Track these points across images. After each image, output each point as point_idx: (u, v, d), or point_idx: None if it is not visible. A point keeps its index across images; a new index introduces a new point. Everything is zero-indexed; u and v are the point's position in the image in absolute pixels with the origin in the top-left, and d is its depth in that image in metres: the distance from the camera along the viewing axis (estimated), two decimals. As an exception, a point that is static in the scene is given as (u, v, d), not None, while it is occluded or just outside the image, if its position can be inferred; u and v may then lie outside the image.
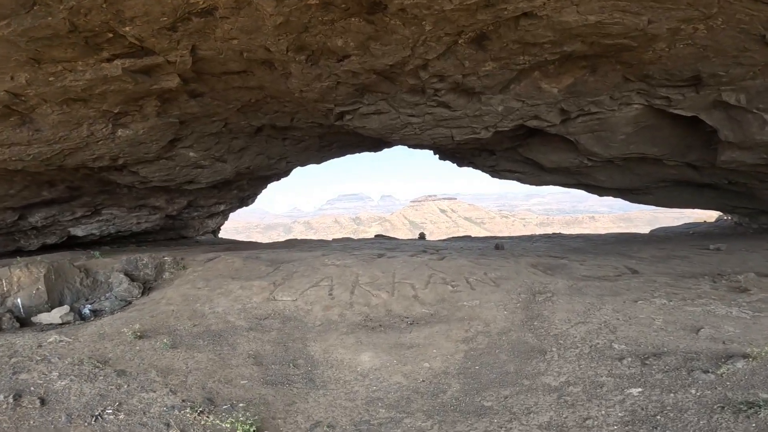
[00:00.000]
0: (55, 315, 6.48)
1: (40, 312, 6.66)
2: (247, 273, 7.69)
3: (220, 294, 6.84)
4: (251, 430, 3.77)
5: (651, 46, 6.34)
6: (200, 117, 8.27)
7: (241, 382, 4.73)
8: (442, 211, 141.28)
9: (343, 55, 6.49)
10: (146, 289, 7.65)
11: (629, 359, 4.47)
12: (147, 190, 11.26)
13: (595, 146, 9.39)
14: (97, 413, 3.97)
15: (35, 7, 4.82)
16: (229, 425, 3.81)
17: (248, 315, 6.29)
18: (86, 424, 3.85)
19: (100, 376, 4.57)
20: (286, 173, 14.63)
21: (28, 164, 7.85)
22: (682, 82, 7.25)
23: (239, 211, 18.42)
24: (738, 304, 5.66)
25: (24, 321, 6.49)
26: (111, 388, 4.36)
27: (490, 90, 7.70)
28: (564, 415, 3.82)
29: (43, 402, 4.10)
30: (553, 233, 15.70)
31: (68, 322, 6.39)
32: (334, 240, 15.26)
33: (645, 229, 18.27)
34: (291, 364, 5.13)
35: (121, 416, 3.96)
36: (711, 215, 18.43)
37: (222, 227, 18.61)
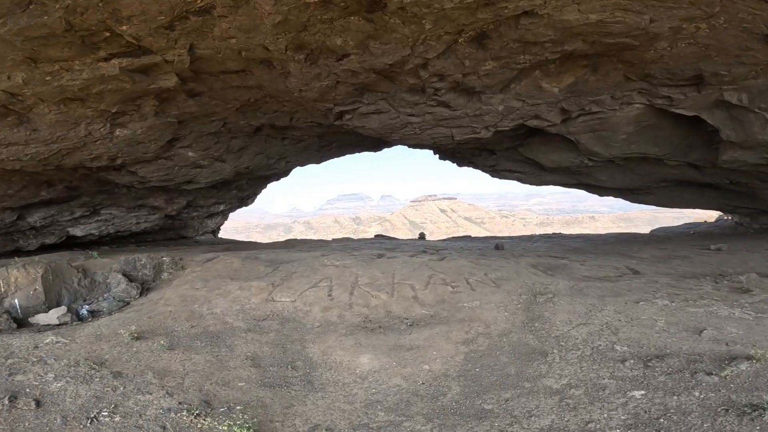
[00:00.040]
0: (53, 316, 6.43)
1: (38, 313, 6.62)
2: (246, 273, 7.64)
3: (218, 295, 6.80)
4: (248, 433, 3.72)
5: (653, 45, 6.30)
6: (199, 116, 8.23)
7: (239, 384, 4.68)
8: (442, 211, 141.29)
9: (342, 54, 6.45)
10: (144, 289, 7.61)
11: (631, 361, 4.43)
12: (146, 190, 11.22)
13: (596, 146, 9.34)
14: (92, 415, 3.93)
15: (31, 6, 4.78)
16: (226, 428, 3.77)
17: (246, 316, 6.25)
18: (81, 426, 3.81)
19: (96, 377, 4.52)
20: (285, 173, 14.59)
21: (26, 164, 7.81)
22: (684, 81, 7.21)
23: (239, 211, 18.40)
24: (740, 305, 5.61)
25: (21, 322, 6.45)
26: (107, 390, 4.32)
27: (490, 89, 7.66)
28: (566, 419, 3.77)
29: (38, 404, 4.05)
30: (553, 233, 15.66)
31: (65, 323, 6.34)
32: (334, 240, 15.22)
33: (645, 229, 18.24)
34: (289, 366, 5.08)
35: (117, 418, 3.92)
36: (711, 215, 18.40)
37: (222, 227, 18.58)
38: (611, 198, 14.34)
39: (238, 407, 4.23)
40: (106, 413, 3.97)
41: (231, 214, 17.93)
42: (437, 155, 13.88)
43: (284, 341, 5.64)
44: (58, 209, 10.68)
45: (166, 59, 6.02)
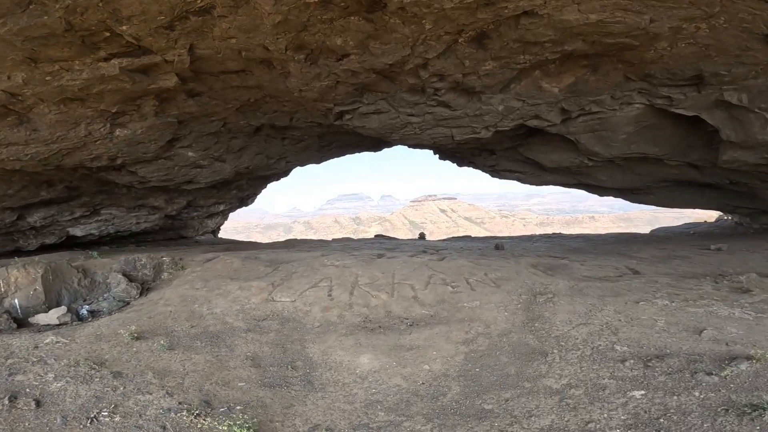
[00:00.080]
0: (53, 316, 6.43)
1: (38, 313, 6.62)
2: (246, 273, 7.64)
3: (218, 295, 6.80)
4: (248, 433, 3.72)
5: (653, 45, 6.30)
6: (199, 116, 8.23)
7: (239, 384, 4.68)
8: (442, 211, 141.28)
9: (342, 54, 6.45)
10: (144, 289, 7.61)
11: (631, 361, 4.43)
12: (146, 190, 11.22)
13: (596, 146, 9.34)
14: (92, 415, 3.93)
15: (31, 6, 4.78)
16: (226, 428, 3.77)
17: (246, 316, 6.25)
18: (81, 426, 3.81)
19: (96, 377, 4.52)
20: (285, 173, 14.59)
21: (26, 164, 7.81)
22: (684, 81, 7.21)
23: (239, 211, 18.39)
24: (740, 305, 5.61)
25: (21, 322, 6.44)
26: (107, 390, 4.31)
27: (490, 89, 7.66)
28: (566, 419, 3.77)
29: (38, 404, 4.05)
30: (553, 233, 15.67)
31: (65, 323, 6.34)
32: (334, 240, 15.22)
33: (645, 229, 18.24)
34: (289, 366, 5.08)
35: (117, 418, 3.92)
36: (711, 215, 18.40)
37: (222, 227, 18.58)
38: (611, 198, 14.34)
39: (238, 407, 4.23)
40: (106, 413, 3.97)
41: (231, 214, 17.92)
42: (437, 155, 13.88)
43: (284, 341, 5.64)
44: (58, 209, 10.68)
45: (166, 59, 6.02)
